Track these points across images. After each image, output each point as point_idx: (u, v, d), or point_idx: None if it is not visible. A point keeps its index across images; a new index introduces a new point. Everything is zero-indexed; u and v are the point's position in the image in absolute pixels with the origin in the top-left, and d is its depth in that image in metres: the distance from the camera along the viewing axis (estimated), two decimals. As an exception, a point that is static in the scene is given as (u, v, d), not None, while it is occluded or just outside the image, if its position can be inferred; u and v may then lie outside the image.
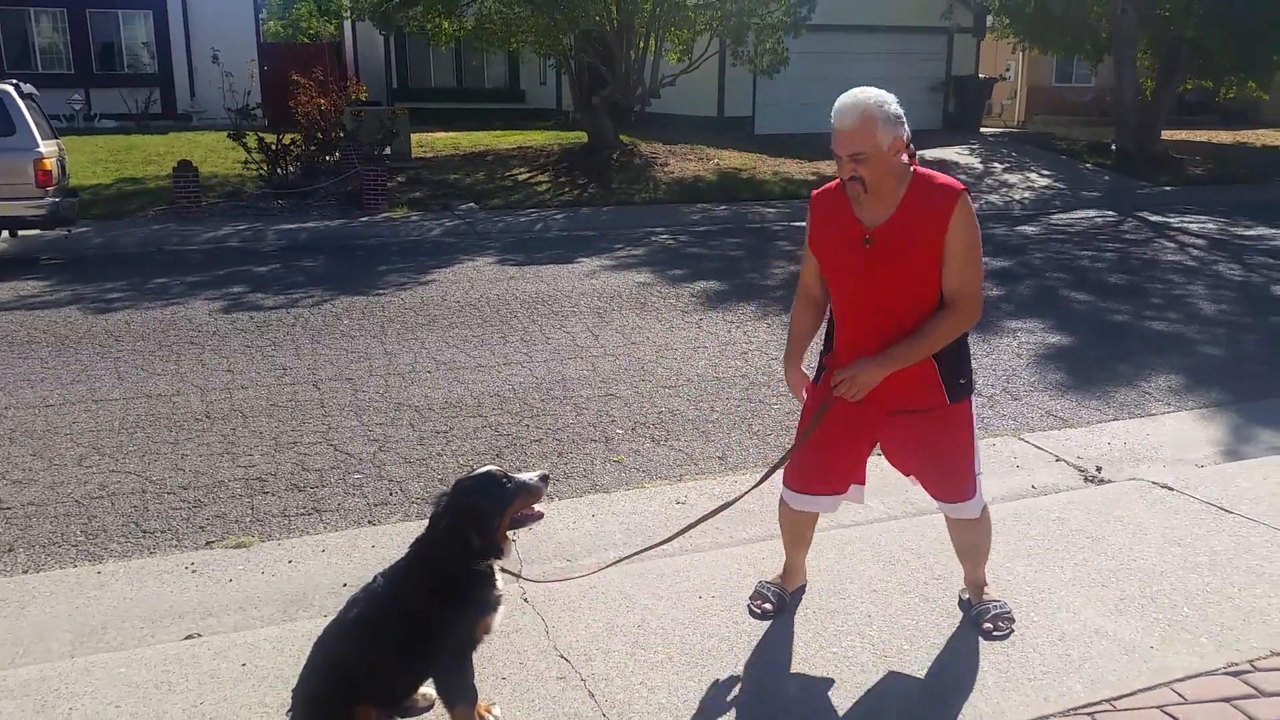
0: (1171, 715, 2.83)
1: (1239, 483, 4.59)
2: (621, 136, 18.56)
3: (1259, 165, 20.57)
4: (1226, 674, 3.03)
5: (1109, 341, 7.68)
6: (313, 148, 15.61)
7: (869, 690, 3.00)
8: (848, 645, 3.24)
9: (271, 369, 6.76)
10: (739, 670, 3.10)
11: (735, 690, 3.00)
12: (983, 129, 24.97)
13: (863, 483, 3.36)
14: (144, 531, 4.39)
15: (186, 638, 3.44)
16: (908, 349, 2.97)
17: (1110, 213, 15.38)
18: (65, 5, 25.18)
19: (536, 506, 2.66)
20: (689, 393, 6.31)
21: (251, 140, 14.76)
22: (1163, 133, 21.21)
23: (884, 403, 3.09)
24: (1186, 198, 16.87)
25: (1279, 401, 6.23)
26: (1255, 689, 2.94)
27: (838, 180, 3.09)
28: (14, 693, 2.98)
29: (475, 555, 2.59)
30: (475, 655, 2.66)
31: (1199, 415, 5.98)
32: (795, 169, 17.88)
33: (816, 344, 3.44)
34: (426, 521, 2.68)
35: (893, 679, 3.06)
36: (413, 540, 2.71)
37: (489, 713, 2.80)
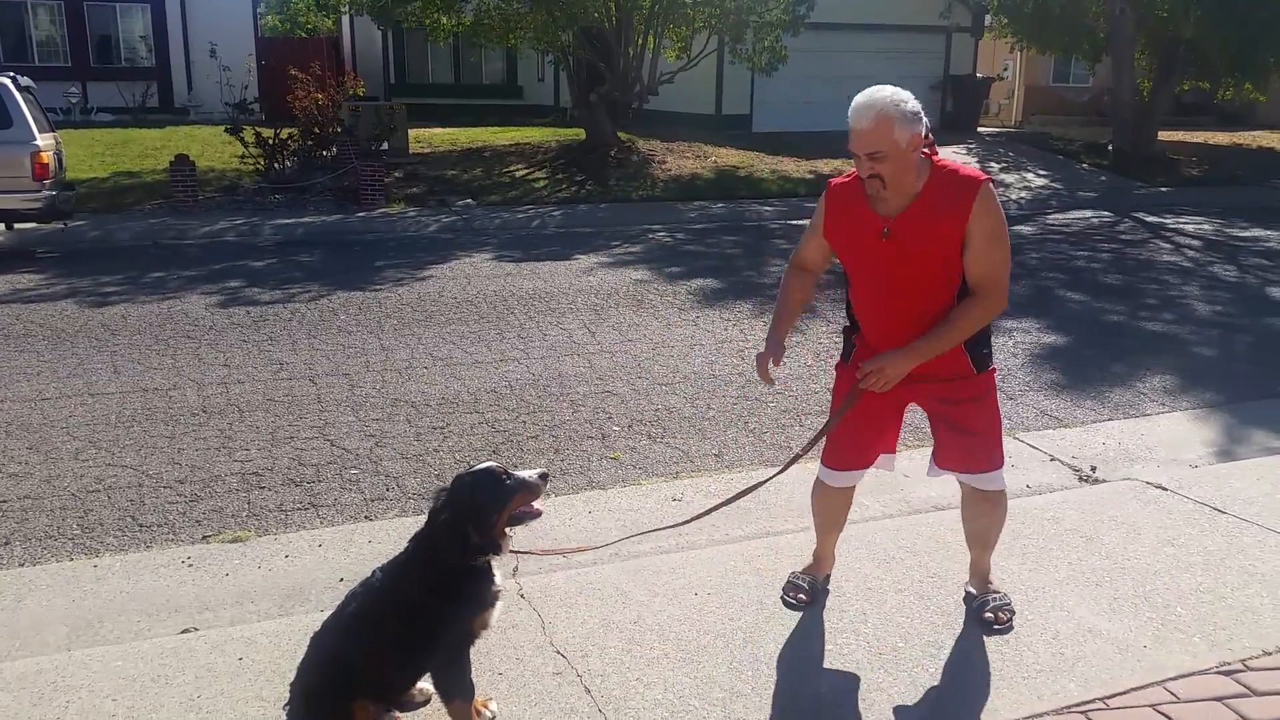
0: (1164, 714, 2.85)
1: (1232, 483, 4.61)
2: (619, 134, 18.55)
3: (1255, 167, 20.60)
4: (1219, 673, 3.05)
5: (1104, 341, 7.70)
6: (310, 143, 15.57)
7: (864, 687, 3.02)
8: (843, 643, 3.26)
9: (268, 364, 6.76)
10: (735, 667, 3.11)
11: (731, 687, 3.01)
12: (980, 128, 25.01)
13: (893, 451, 3.37)
14: (140, 525, 4.39)
15: (183, 631, 3.45)
16: (936, 339, 2.99)
17: (1106, 213, 15.41)
18: (62, -3, 25.15)
19: (535, 504, 2.67)
20: (685, 390, 6.33)
21: (249, 135, 14.72)
22: (1159, 133, 21.24)
23: (912, 373, 3.09)
24: (1183, 199, 16.91)
25: (1273, 402, 6.26)
26: (1247, 688, 2.96)
27: (852, 173, 3.10)
28: (11, 685, 2.98)
29: (473, 551, 2.59)
30: (472, 651, 2.67)
31: (1193, 416, 6.01)
32: (793, 167, 17.89)
33: (827, 322, 3.44)
34: (424, 516, 2.69)
35: (887, 677, 3.07)
36: (410, 535, 2.72)
37: (485, 708, 2.81)
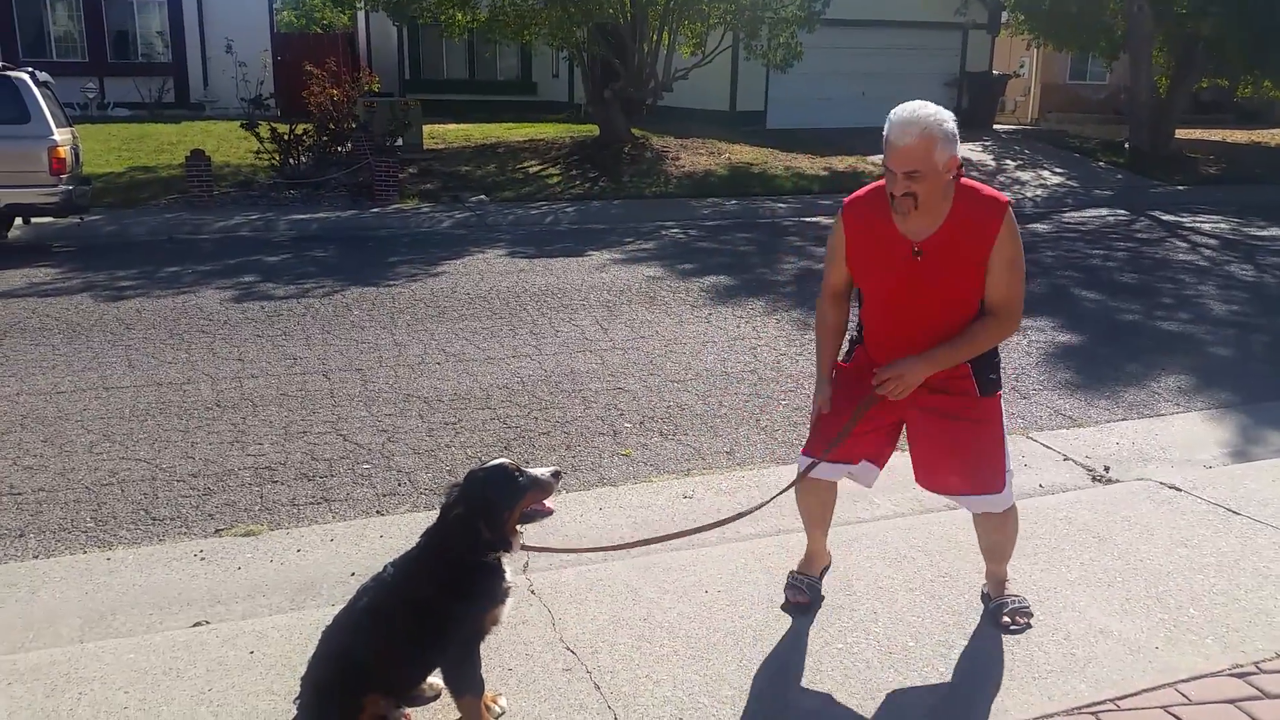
0: (1176, 716, 2.83)
1: (1247, 484, 4.57)
2: (633, 130, 18.54)
3: (1274, 165, 20.44)
4: (1231, 675, 3.03)
5: (1119, 341, 7.66)
6: (325, 138, 15.62)
7: (874, 687, 3.01)
8: (853, 642, 3.25)
9: (282, 358, 6.79)
10: (744, 665, 3.11)
11: (740, 685, 3.01)
12: (996, 126, 24.87)
13: (877, 462, 3.30)
14: (154, 519, 4.42)
15: (195, 625, 3.47)
16: (952, 351, 2.98)
17: (1122, 211, 15.31)
18: (80, -7, 25.29)
19: (547, 502, 2.67)
20: (697, 387, 6.32)
21: (264, 130, 14.79)
22: (1177, 131, 21.08)
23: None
24: (1200, 197, 16.79)
25: (1289, 403, 6.22)
26: (1260, 690, 2.94)
27: (868, 188, 3.07)
28: (25, 676, 3.00)
29: (485, 547, 2.60)
30: (483, 646, 2.68)
31: (1208, 416, 5.97)
32: (807, 164, 17.84)
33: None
34: (436, 512, 2.70)
35: (898, 676, 3.06)
36: (422, 530, 2.73)
37: (495, 703, 2.82)
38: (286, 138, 14.89)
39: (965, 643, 3.25)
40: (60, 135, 10.67)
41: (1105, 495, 4.59)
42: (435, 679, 2.78)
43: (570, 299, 8.64)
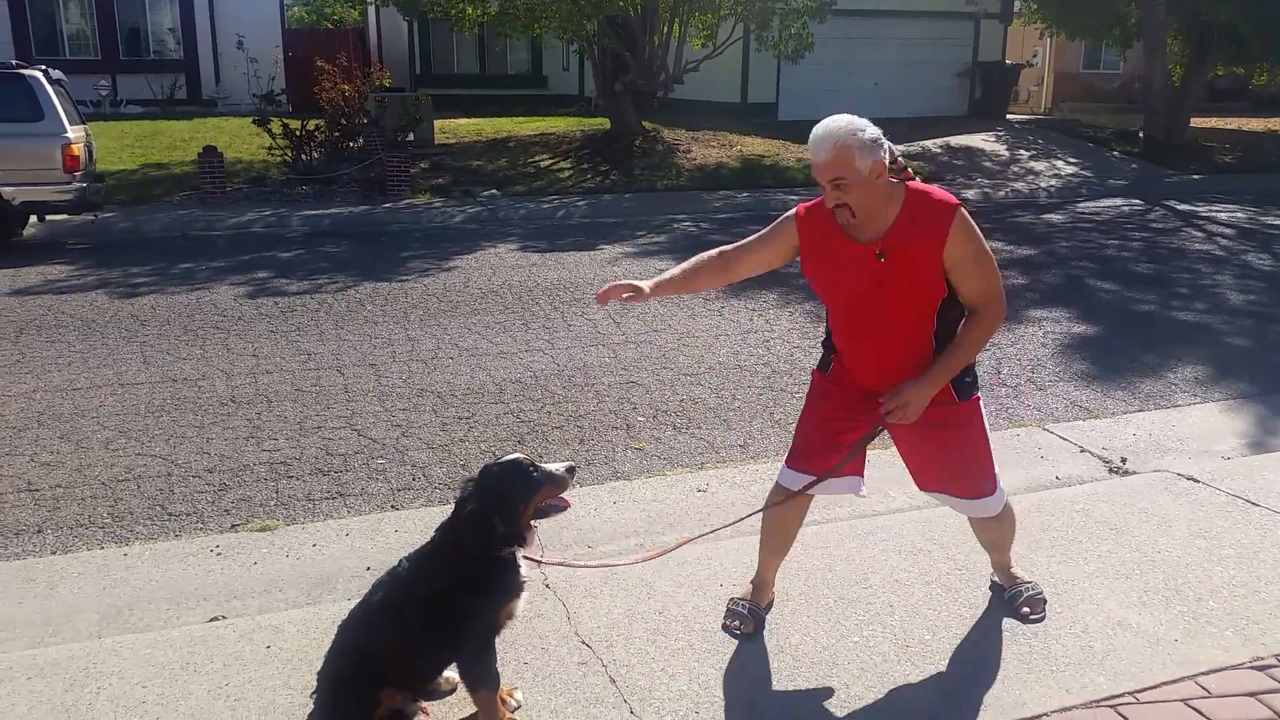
0: (1195, 708, 2.81)
1: (1265, 475, 4.54)
2: (644, 123, 18.50)
3: (1290, 154, 20.29)
4: (1251, 668, 3.01)
5: (1135, 331, 7.61)
6: (336, 134, 15.66)
7: (890, 680, 3.00)
8: (869, 635, 3.24)
9: (296, 354, 6.80)
10: (760, 658, 3.11)
11: (755, 678, 3.01)
12: (1009, 115, 24.71)
13: (860, 474, 3.23)
14: (170, 514, 4.43)
15: (211, 620, 3.49)
16: (948, 362, 2.95)
17: (1137, 201, 15.22)
18: (92, -9, 25.37)
19: (563, 497, 2.67)
20: (711, 381, 6.31)
21: (276, 126, 14.82)
22: (1192, 120, 20.91)
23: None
24: (1215, 186, 16.66)
25: (1308, 393, 6.17)
26: (1281, 683, 2.92)
27: (816, 201, 3.05)
28: (44, 671, 3.02)
29: (500, 542, 2.60)
30: (498, 640, 2.68)
31: (1225, 407, 5.92)
32: (819, 156, 17.76)
33: (810, 333, 3.39)
34: (451, 506, 2.70)
35: (914, 669, 3.05)
36: (437, 525, 2.73)
37: (511, 697, 2.82)
38: (298, 133, 14.92)
39: (982, 636, 3.23)
40: (74, 133, 10.72)
41: (1122, 487, 4.57)
42: (451, 673, 2.78)
43: (583, 292, 8.63)
